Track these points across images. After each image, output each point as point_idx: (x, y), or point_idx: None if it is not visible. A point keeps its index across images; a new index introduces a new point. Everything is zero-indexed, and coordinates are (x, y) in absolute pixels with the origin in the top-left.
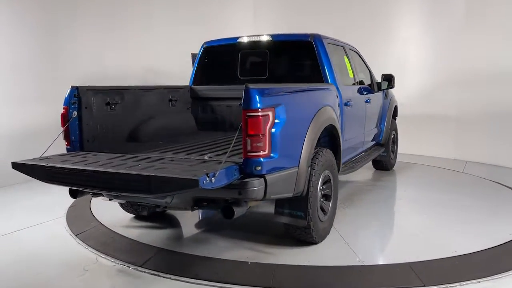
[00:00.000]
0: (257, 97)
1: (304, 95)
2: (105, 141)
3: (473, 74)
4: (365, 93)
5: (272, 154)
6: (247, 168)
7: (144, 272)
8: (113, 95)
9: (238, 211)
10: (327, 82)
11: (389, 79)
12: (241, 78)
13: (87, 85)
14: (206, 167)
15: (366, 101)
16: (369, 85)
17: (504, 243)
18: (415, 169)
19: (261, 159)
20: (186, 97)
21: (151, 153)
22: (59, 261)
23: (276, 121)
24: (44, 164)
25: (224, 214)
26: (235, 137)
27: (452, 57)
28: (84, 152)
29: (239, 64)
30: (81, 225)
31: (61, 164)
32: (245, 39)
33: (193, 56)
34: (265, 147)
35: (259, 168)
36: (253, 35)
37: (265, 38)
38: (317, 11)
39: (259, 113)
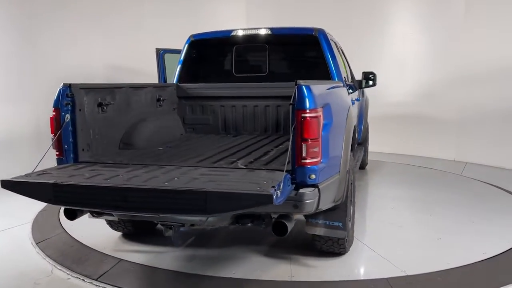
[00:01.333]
0: (312, 95)
1: (339, 93)
2: (99, 149)
3: (475, 72)
4: (353, 91)
5: (322, 160)
6: (300, 177)
7: (99, 287)
8: (105, 95)
9: (290, 227)
10: (334, 79)
11: (370, 77)
12: (236, 75)
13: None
14: (264, 178)
15: (357, 99)
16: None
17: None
18: (399, 170)
19: (316, 167)
20: (173, 96)
21: (158, 163)
22: (13, 272)
23: (324, 122)
24: (50, 181)
25: (277, 231)
26: (291, 141)
27: (452, 54)
28: (84, 164)
29: (233, 60)
30: (45, 232)
31: (80, 181)
32: (240, 32)
33: (158, 51)
34: (319, 152)
35: (313, 177)
36: (250, 28)
37: (264, 32)
38: (308, 6)
39: (315, 114)
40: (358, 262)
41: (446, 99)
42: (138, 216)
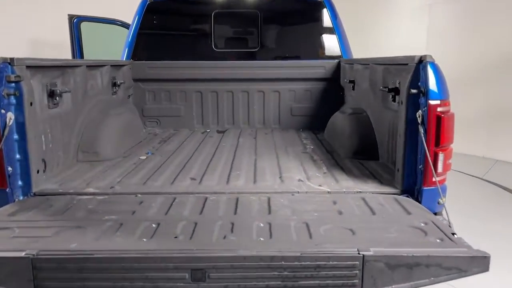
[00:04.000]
0: (443, 79)
1: None
2: (56, 167)
3: (507, 62)
4: None
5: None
6: (427, 202)
7: None
8: (56, 78)
9: None
10: (344, 57)
11: None
12: (217, 50)
13: None
14: (415, 216)
15: None
16: None
17: None
18: None
19: (445, 186)
20: (128, 79)
21: (178, 190)
22: None
23: None
24: (27, 254)
25: None
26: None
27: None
28: (47, 198)
29: (212, 30)
30: None
31: (104, 249)
32: None
33: (71, 19)
34: (451, 165)
35: (443, 201)
36: None
37: None
38: None
39: (449, 108)
40: None
41: (476, 91)
42: None
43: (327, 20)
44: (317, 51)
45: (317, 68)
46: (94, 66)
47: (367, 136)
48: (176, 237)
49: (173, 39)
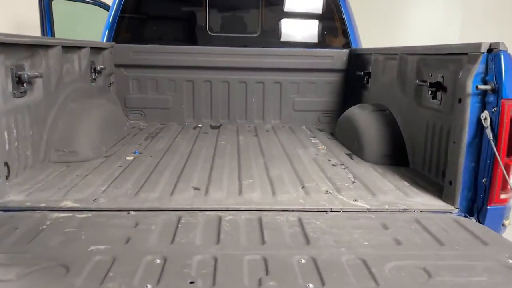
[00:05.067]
0: None
1: None
2: (24, 172)
3: None
4: None
5: None
6: (491, 223)
7: None
8: (25, 59)
9: None
10: (354, 46)
11: None
12: (212, 34)
13: None
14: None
15: None
16: None
17: None
18: None
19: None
20: (109, 64)
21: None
22: None
23: None
24: None
25: None
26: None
27: None
28: (6, 212)
29: (208, 12)
30: None
31: None
32: None
33: None
34: None
35: (508, 222)
36: None
37: None
38: None
39: None
40: None
41: None
42: None
43: (336, 5)
44: (325, 39)
45: (324, 57)
46: (71, 47)
47: (395, 138)
48: (192, 282)
49: (161, 19)
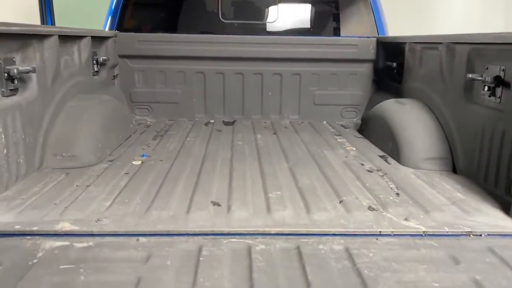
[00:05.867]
0: None
1: None
2: (15, 182)
3: None
4: None
5: None
6: None
7: None
8: (16, 52)
9: None
10: (381, 34)
11: None
12: (225, 21)
13: None
14: None
15: None
16: None
17: None
18: None
19: None
20: (112, 55)
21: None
22: None
23: None
24: None
25: None
26: None
27: None
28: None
29: None
30: None
31: None
32: None
33: None
34: None
35: None
36: None
37: None
38: None
39: None
40: None
41: None
42: None
43: None
44: (348, 26)
45: (348, 46)
46: (70, 36)
47: (439, 140)
48: None
49: (170, 5)
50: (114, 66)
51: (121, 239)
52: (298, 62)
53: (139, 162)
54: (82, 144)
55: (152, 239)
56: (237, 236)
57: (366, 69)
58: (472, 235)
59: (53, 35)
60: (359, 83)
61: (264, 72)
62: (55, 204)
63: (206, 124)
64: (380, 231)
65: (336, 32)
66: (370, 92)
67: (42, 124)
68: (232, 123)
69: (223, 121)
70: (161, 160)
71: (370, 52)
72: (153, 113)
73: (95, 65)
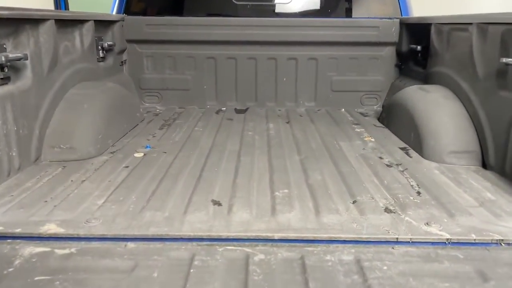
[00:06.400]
0: None
1: None
2: (8, 178)
3: None
4: None
5: None
6: None
7: None
8: (6, 37)
9: None
10: (405, 14)
11: None
12: (238, 2)
13: None
14: None
15: None
16: None
17: None
18: None
19: None
20: (120, 40)
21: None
22: None
23: None
24: None
25: None
26: None
27: None
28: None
29: None
30: None
31: None
32: None
33: None
34: None
35: None
36: None
37: None
38: None
39: None
40: None
41: None
42: None
43: None
44: (369, 6)
45: (368, 29)
46: (69, 21)
47: (467, 131)
48: None
49: None
50: (122, 52)
51: (107, 244)
52: (315, 45)
53: (141, 155)
54: (81, 135)
55: (142, 244)
56: (235, 243)
57: (387, 53)
58: (504, 244)
59: (49, 19)
60: (380, 68)
61: (278, 56)
62: (45, 201)
63: (217, 112)
64: (397, 238)
65: (356, 13)
66: (392, 77)
67: (39, 115)
68: (244, 111)
69: (235, 109)
70: (165, 152)
71: (392, 34)
72: (162, 100)
73: (100, 51)
